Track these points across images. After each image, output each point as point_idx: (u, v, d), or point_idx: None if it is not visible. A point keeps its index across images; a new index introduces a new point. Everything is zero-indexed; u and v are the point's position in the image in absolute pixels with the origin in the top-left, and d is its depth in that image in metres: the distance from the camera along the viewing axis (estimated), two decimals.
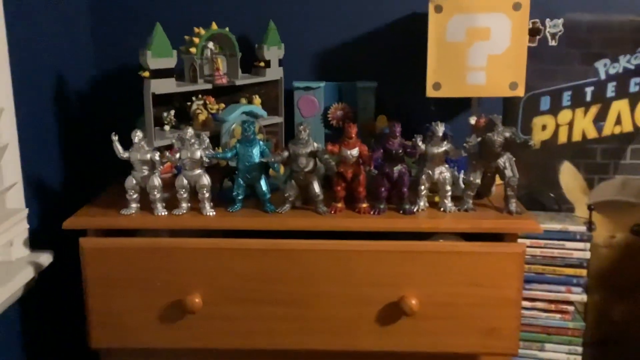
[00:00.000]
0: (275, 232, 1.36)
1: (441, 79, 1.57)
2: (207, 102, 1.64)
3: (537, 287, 1.66)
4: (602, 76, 1.72)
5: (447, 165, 1.43)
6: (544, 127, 1.75)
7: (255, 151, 1.40)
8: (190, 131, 1.39)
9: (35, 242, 1.46)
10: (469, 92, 1.59)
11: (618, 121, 1.73)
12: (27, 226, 1.43)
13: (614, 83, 1.71)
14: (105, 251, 1.37)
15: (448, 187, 1.42)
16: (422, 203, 1.42)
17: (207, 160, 1.40)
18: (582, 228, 1.64)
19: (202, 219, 1.39)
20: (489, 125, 1.41)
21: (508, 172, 1.41)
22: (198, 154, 1.38)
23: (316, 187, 1.40)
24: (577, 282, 1.64)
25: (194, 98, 1.63)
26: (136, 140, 1.38)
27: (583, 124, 1.74)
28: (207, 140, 1.41)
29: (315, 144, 1.39)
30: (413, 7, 1.74)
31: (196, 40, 1.57)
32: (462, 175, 1.49)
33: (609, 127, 1.73)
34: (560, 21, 1.69)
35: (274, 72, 1.71)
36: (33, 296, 1.46)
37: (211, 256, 1.36)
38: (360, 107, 1.73)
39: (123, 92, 1.76)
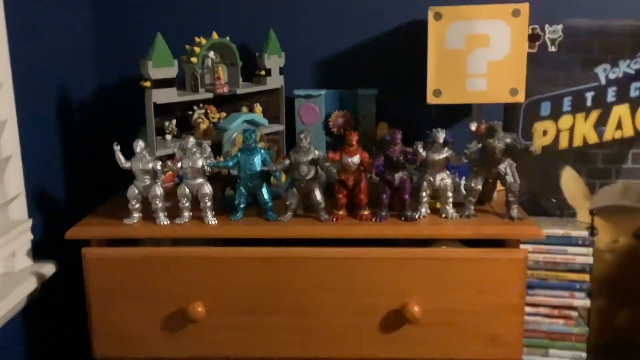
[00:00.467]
0: (277, 240, 1.36)
1: (441, 86, 1.58)
2: (209, 111, 1.64)
3: (540, 293, 1.65)
4: (603, 81, 1.72)
5: (448, 172, 1.43)
6: (544, 133, 1.75)
7: (257, 159, 1.40)
8: (191, 140, 1.39)
9: (38, 252, 1.46)
10: (469, 99, 1.60)
11: (619, 126, 1.73)
12: (31, 237, 1.43)
13: (614, 88, 1.71)
14: (108, 261, 1.37)
15: (449, 194, 1.42)
16: (424, 210, 1.42)
17: (208, 169, 1.40)
18: (584, 233, 1.64)
19: (204, 227, 1.39)
20: (489, 132, 1.41)
21: (509, 178, 1.41)
22: (200, 163, 1.39)
23: (318, 195, 1.40)
24: (580, 287, 1.64)
25: (195, 107, 1.63)
26: (138, 149, 1.39)
27: (584, 129, 1.74)
28: (209, 149, 1.42)
29: (317, 152, 1.40)
30: (413, 15, 1.75)
31: (197, 49, 1.57)
32: (463, 182, 1.49)
33: (610, 132, 1.73)
34: (560, 27, 1.70)
35: (275, 81, 1.71)
36: (36, 307, 1.47)
37: (213, 265, 1.36)
38: (361, 115, 1.73)
39: (125, 102, 1.78)
